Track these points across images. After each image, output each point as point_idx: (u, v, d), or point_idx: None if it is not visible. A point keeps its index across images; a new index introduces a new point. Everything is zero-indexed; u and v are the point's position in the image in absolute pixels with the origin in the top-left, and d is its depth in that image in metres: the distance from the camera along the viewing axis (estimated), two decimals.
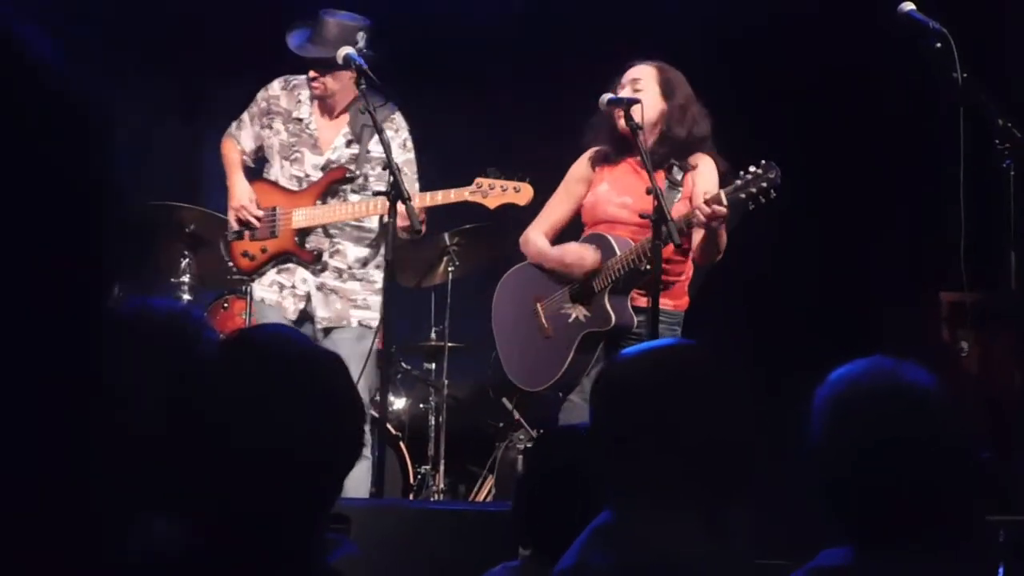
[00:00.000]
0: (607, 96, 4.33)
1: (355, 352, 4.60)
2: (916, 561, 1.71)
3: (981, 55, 4.32)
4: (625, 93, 4.39)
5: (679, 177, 4.40)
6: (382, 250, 4.58)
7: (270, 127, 4.91)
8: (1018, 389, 4.13)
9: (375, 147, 4.79)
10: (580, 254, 4.43)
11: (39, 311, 0.78)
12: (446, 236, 5.86)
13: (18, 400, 0.77)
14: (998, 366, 4.51)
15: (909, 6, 4.13)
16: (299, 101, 4.90)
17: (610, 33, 4.72)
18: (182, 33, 6.42)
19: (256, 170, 5.03)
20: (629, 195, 4.43)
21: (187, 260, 5.55)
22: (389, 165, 4.30)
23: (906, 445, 1.72)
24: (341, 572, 1.55)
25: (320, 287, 4.81)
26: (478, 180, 4.58)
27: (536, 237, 4.61)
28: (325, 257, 4.82)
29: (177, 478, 1.47)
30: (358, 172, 4.80)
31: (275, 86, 4.95)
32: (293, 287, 4.84)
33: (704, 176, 4.42)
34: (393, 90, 4.61)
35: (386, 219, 4.38)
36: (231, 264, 4.98)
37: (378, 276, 4.82)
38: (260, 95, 4.97)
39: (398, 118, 4.80)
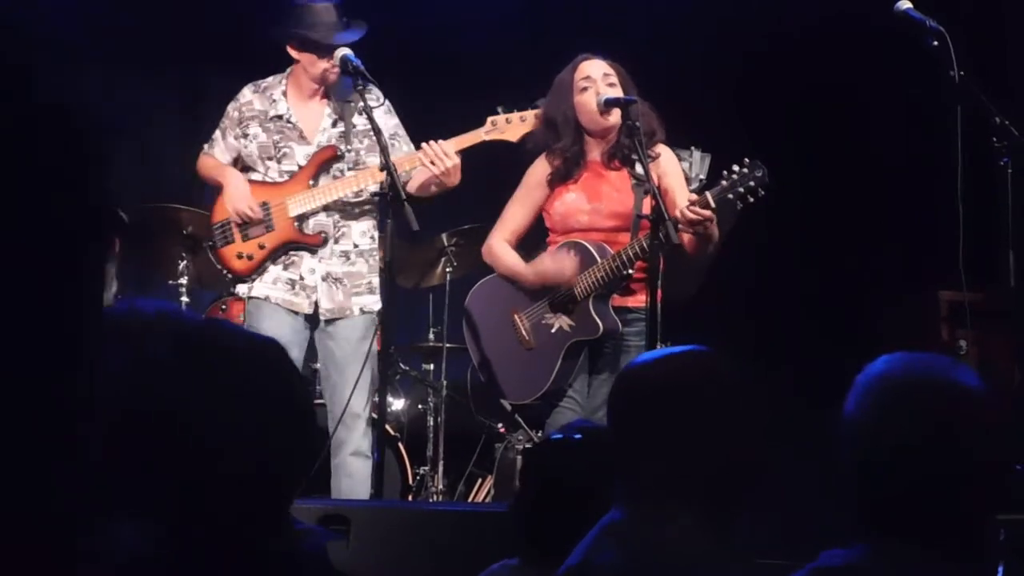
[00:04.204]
0: (604, 97, 4.32)
1: (357, 351, 4.59)
2: (921, 562, 1.69)
3: (981, 54, 4.32)
4: (597, 89, 4.36)
5: (641, 171, 4.30)
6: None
7: (245, 135, 4.80)
8: (1017, 388, 4.12)
9: (359, 120, 4.72)
10: (559, 268, 4.35)
11: (24, 312, 0.77)
12: (444, 237, 5.86)
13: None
14: (997, 364, 4.51)
15: (906, 4, 4.13)
16: (273, 100, 4.80)
17: (609, 37, 4.72)
18: (180, 31, 6.41)
19: None
20: (600, 200, 4.39)
21: (185, 262, 5.54)
22: (387, 165, 4.29)
23: (950, 445, 1.68)
24: (327, 559, 1.54)
25: (326, 276, 4.70)
26: (490, 119, 4.50)
27: (503, 251, 4.55)
28: (331, 243, 4.69)
29: (131, 480, 1.44)
30: (348, 148, 4.71)
31: (245, 93, 4.86)
32: (302, 279, 4.70)
33: (666, 163, 4.41)
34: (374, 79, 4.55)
35: (384, 187, 4.30)
36: (224, 272, 4.80)
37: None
38: (231, 107, 4.86)
39: (375, 89, 4.63)
